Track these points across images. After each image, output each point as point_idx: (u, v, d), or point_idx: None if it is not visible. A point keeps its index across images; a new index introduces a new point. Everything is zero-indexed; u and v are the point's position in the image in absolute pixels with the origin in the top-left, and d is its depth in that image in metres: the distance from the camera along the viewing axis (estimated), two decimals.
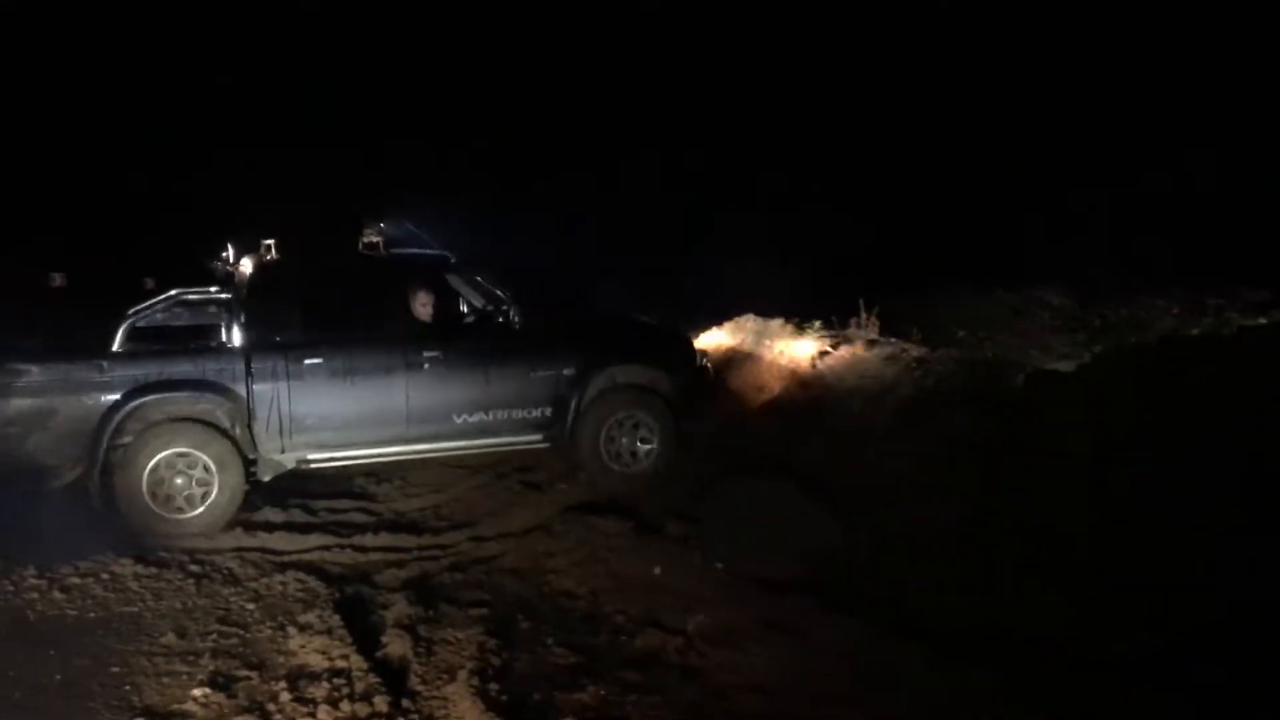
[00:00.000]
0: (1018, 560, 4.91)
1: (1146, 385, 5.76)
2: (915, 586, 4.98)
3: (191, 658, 4.75)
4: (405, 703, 4.30)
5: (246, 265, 7.35)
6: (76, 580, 5.62)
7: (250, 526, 6.88)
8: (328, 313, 7.19)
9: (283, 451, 7.04)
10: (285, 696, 4.33)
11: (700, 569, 5.63)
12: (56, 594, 5.42)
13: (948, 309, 10.08)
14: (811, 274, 11.71)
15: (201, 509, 6.70)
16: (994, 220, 14.97)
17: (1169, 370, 5.78)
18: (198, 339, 7.61)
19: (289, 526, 7.00)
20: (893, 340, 8.09)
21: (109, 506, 6.60)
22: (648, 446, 7.58)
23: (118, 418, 6.56)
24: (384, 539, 6.89)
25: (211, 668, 4.61)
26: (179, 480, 6.66)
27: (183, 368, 6.83)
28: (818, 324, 8.90)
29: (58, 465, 6.61)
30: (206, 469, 6.71)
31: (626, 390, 7.63)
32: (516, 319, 7.47)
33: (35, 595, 5.39)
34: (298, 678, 4.53)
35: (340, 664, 4.63)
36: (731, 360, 9.50)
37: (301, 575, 5.91)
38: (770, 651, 4.48)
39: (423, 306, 7.58)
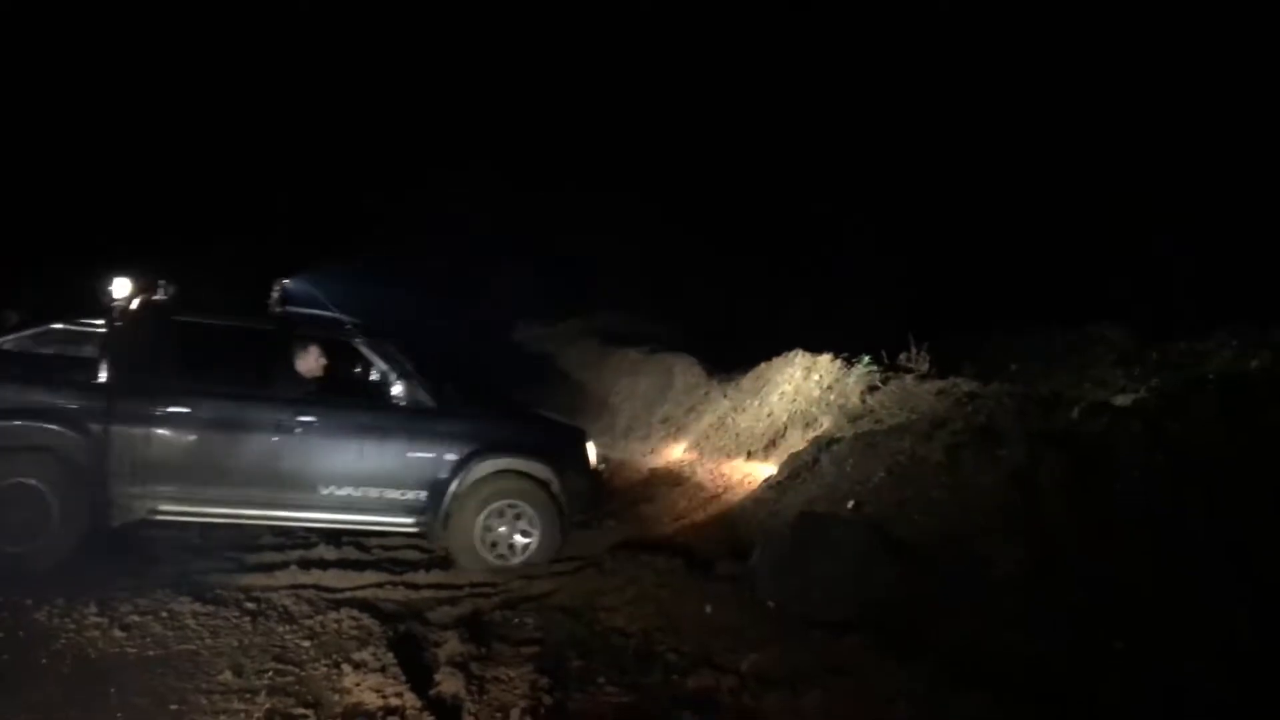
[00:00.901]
0: (1081, 608, 4.79)
1: (1203, 423, 5.67)
2: (977, 632, 4.84)
3: (248, 695, 4.79)
4: None
5: (132, 303, 7.09)
6: (136, 618, 5.69)
7: (305, 564, 6.95)
8: (204, 361, 6.98)
9: (135, 498, 6.76)
10: None
11: (752, 608, 5.58)
12: (117, 632, 5.49)
13: (1002, 344, 9.99)
14: (865, 313, 11.69)
15: (39, 540, 6.42)
16: (1061, 259, 14.88)
17: (1225, 406, 5.68)
18: (67, 372, 7.21)
19: (342, 564, 7.08)
20: (944, 375, 8.02)
21: None
22: (527, 540, 7.23)
23: None
24: (436, 576, 6.95)
25: (268, 705, 4.65)
26: (11, 510, 6.39)
27: (39, 394, 6.66)
28: (866, 359, 8.84)
29: None
30: (45, 500, 6.43)
31: (512, 478, 7.30)
32: (403, 395, 7.19)
33: (96, 633, 5.46)
34: (353, 716, 4.55)
35: (394, 702, 4.65)
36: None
37: (355, 612, 5.95)
38: (827, 695, 4.40)
39: (309, 368, 7.37)
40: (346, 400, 7.36)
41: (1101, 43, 18.43)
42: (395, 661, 5.12)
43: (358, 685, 4.87)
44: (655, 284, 18.39)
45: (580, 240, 20.21)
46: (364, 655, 5.24)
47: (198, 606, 5.92)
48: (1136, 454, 5.53)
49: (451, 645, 5.43)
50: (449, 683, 4.92)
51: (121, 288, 7.09)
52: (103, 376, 6.77)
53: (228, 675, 5.01)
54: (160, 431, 6.75)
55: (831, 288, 16.17)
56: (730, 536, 7.06)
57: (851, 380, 8.59)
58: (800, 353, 9.68)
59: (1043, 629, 4.72)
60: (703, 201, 20.73)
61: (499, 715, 4.52)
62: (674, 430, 10.91)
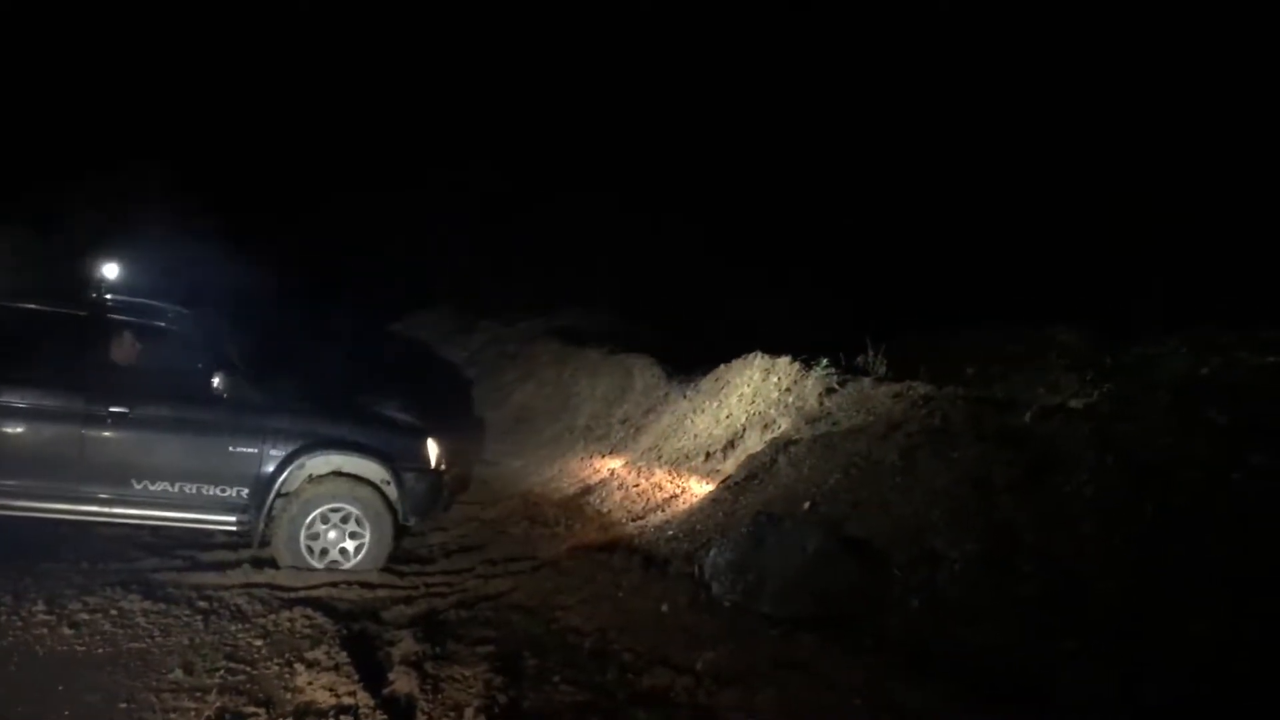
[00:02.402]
0: (1035, 600, 4.86)
1: (1153, 425, 5.76)
2: (931, 627, 4.91)
3: (199, 694, 4.74)
4: None
5: None
6: (85, 616, 5.62)
7: (258, 563, 6.88)
8: (11, 348, 6.62)
9: None
10: None
11: (709, 606, 5.60)
12: (65, 630, 5.42)
13: (959, 347, 10.09)
14: (827, 311, 11.75)
15: None
16: (1023, 258, 15.05)
17: (1174, 409, 5.79)
18: None
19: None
20: (900, 379, 8.08)
21: None
22: (357, 543, 6.99)
23: None
24: (390, 576, 6.90)
25: (219, 704, 4.60)
26: None
27: None
28: (824, 361, 8.90)
29: None
30: None
31: (340, 479, 7.02)
32: (225, 386, 6.80)
33: (44, 631, 5.39)
34: (305, 715, 4.52)
35: (347, 701, 4.62)
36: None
37: (309, 612, 5.91)
38: (781, 691, 4.42)
39: (124, 356, 7.01)
40: (163, 390, 6.90)
41: (1074, 38, 18.65)
42: (349, 660, 5.09)
43: (310, 684, 4.83)
44: (621, 281, 18.36)
45: (544, 236, 20.18)
46: (317, 654, 5.20)
47: (148, 604, 5.86)
48: (1088, 454, 5.61)
49: (406, 644, 5.40)
50: (403, 681, 4.89)
51: None
52: None
53: (179, 673, 4.96)
54: None
55: (798, 285, 16.21)
56: (688, 536, 7.08)
57: (810, 383, 8.63)
58: (760, 355, 9.71)
59: (996, 622, 4.78)
60: (669, 198, 20.76)
61: (453, 714, 4.50)
62: (633, 431, 10.92)
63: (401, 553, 7.55)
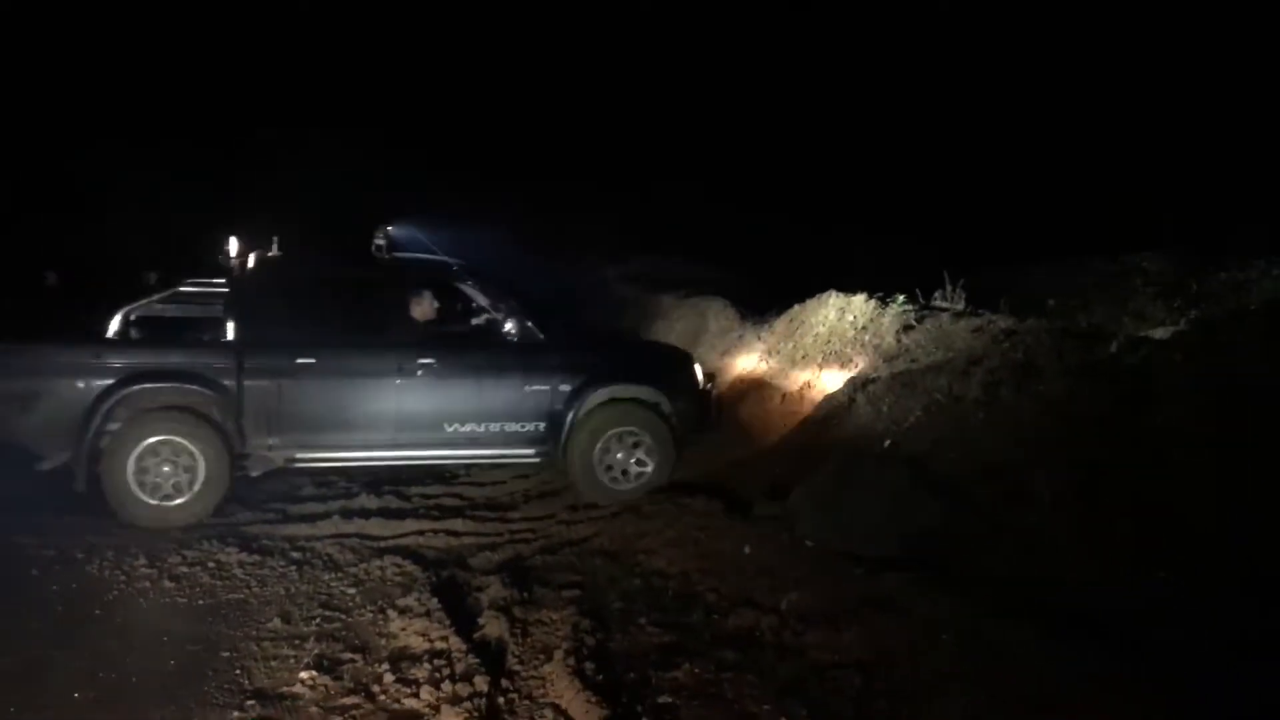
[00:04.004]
0: (1127, 537, 4.75)
1: (1246, 352, 5.56)
2: (1022, 565, 4.81)
3: (297, 642, 4.89)
4: (504, 682, 4.39)
5: (248, 260, 7.43)
6: (185, 569, 5.81)
7: (347, 513, 7.04)
8: (325, 313, 7.20)
9: (270, 448, 7.04)
10: (389, 678, 4.44)
11: (791, 547, 5.59)
12: (167, 583, 5.61)
13: (1039, 279, 9.83)
14: (899, 250, 11.52)
15: (186, 497, 6.71)
16: (1099, 189, 14.55)
17: (1268, 334, 5.57)
18: (195, 332, 7.78)
19: (384, 512, 7.17)
20: (980, 312, 7.92)
21: (94, 490, 6.61)
22: (642, 467, 7.48)
23: (107, 404, 6.57)
24: (476, 523, 7.01)
25: (317, 651, 4.74)
26: (165, 468, 6.68)
27: (174, 359, 6.90)
28: (901, 298, 8.75)
29: (45, 447, 6.65)
30: (192, 457, 6.71)
31: (626, 406, 7.55)
32: (514, 332, 7.45)
33: (147, 584, 5.59)
34: (400, 660, 4.64)
35: (440, 645, 4.73)
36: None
37: (399, 560, 6.05)
38: (868, 629, 4.40)
39: (423, 313, 7.72)
40: (462, 340, 7.70)
41: None
42: (439, 606, 5.21)
43: (403, 630, 4.96)
44: (693, 228, 18.19)
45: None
46: (408, 601, 5.33)
47: (244, 556, 6.04)
48: (1178, 383, 5.45)
49: (494, 590, 5.51)
50: (492, 626, 5.00)
51: (241, 248, 7.45)
52: (230, 335, 7.07)
53: (276, 622, 5.12)
54: (289, 383, 6.98)
55: (871, 222, 15.90)
56: (768, 477, 7.06)
57: (886, 320, 8.50)
58: (834, 293, 9.58)
59: (1086, 559, 4.69)
60: (742, 143, 20.48)
61: (543, 657, 4.58)
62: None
63: (483, 499, 7.68)
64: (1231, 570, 4.28)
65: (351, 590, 5.63)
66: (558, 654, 4.53)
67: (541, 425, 7.46)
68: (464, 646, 4.69)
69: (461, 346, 7.53)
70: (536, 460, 7.66)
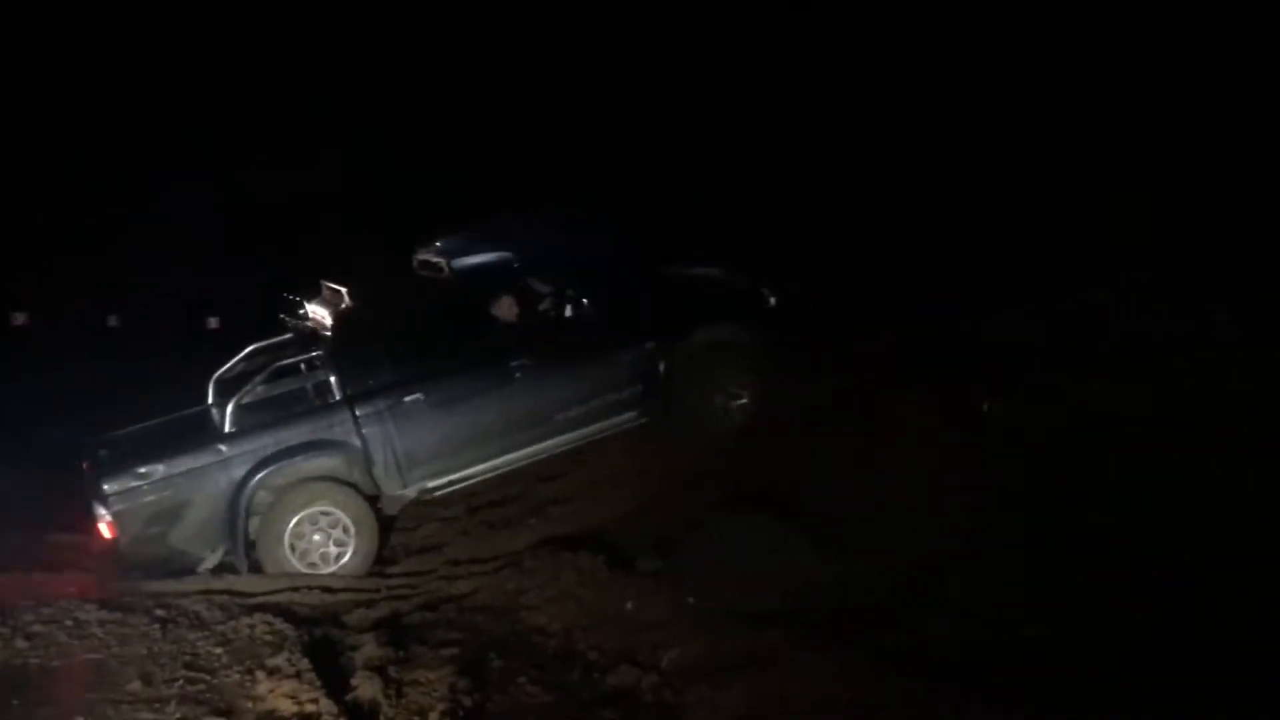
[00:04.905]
0: (1019, 583, 4.78)
1: None
2: (908, 617, 4.80)
3: (158, 705, 4.69)
4: None
5: (322, 315, 7.67)
6: (40, 627, 5.54)
7: (217, 569, 6.82)
8: (415, 346, 7.36)
9: (404, 487, 7.25)
10: None
11: (674, 604, 5.57)
12: (20, 642, 5.34)
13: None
14: None
15: (347, 555, 6.96)
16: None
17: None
18: (297, 402, 7.80)
19: (256, 568, 6.92)
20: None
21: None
22: (739, 401, 7.76)
23: (247, 492, 6.74)
24: (352, 579, 6.84)
25: (178, 715, 4.57)
26: (316, 537, 6.89)
27: (294, 432, 7.00)
28: None
29: (201, 548, 6.90)
30: (338, 519, 6.93)
31: (711, 348, 7.74)
32: (585, 305, 7.71)
33: None
34: None
35: (310, 708, 4.59)
36: None
37: (269, 617, 5.84)
38: (749, 686, 4.38)
39: (506, 312, 7.78)
40: (544, 330, 7.84)
41: None
42: (310, 667, 5.05)
43: (271, 692, 4.80)
44: None
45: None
46: (278, 661, 5.15)
47: (104, 614, 5.78)
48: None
49: (369, 649, 5.37)
50: (366, 687, 4.86)
51: (315, 308, 7.72)
52: (337, 394, 7.21)
53: (136, 684, 4.91)
54: (404, 422, 7.15)
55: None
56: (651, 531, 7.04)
57: None
58: None
59: (975, 610, 4.70)
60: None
61: (418, 719, 4.47)
62: None
63: None
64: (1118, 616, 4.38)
65: (218, 650, 5.40)
66: (433, 715, 4.45)
67: (638, 387, 7.66)
68: (335, 709, 4.55)
69: (546, 337, 7.72)
70: (642, 420, 7.74)
